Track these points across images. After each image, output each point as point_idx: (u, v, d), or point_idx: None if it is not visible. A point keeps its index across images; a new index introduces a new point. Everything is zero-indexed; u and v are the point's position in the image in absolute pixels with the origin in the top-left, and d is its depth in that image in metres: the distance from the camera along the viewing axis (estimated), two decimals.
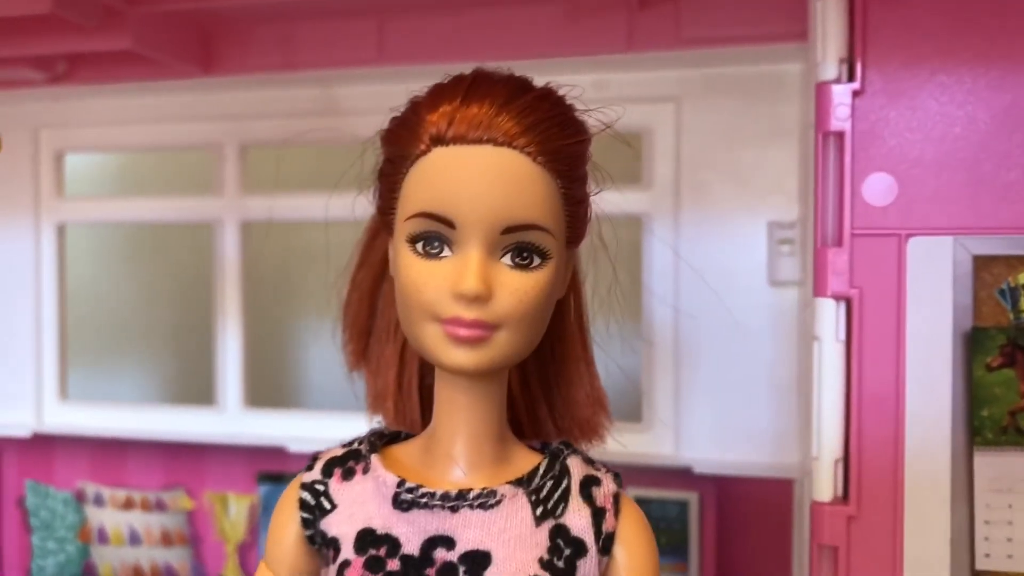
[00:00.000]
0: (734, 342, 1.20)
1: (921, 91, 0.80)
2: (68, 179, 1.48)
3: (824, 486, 0.81)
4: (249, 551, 1.36)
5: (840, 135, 0.80)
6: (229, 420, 1.37)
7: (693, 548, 1.20)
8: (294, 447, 1.32)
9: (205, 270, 1.41)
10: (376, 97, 1.32)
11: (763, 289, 1.18)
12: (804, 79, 1.13)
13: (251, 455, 1.36)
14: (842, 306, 0.81)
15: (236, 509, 1.36)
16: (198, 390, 1.49)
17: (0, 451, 1.47)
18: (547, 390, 0.74)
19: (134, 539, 1.40)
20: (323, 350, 1.75)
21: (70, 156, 1.48)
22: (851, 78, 0.80)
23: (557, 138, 0.63)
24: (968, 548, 0.79)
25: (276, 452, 1.33)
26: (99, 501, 1.42)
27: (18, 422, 1.46)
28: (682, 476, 1.20)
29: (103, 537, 1.42)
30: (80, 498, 1.43)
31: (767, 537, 1.18)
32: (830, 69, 0.81)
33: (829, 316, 0.81)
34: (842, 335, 0.81)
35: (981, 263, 0.79)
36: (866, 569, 0.81)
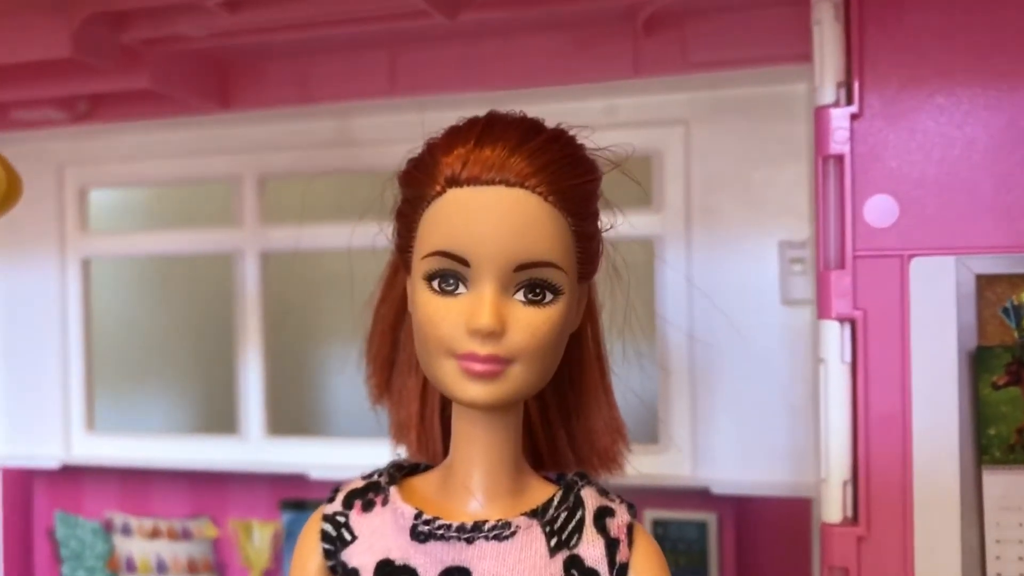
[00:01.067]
0: (749, 362, 1.20)
1: (919, 113, 0.80)
2: (92, 214, 1.51)
3: (833, 507, 0.82)
4: None
5: (840, 158, 0.81)
6: (252, 448, 1.39)
7: (713, 569, 1.20)
8: (316, 474, 1.33)
9: (227, 301, 1.44)
10: (390, 128, 1.35)
11: (776, 308, 1.19)
12: (811, 99, 1.14)
13: (274, 483, 1.37)
14: (847, 328, 0.81)
15: (260, 536, 1.38)
16: (222, 419, 1.51)
17: (30, 483, 1.49)
18: (566, 419, 0.76)
19: (161, 568, 1.42)
20: (344, 378, 1.77)
21: (94, 192, 1.51)
22: (849, 101, 0.81)
23: (568, 178, 0.64)
24: (979, 567, 0.79)
25: (298, 479, 1.35)
26: (127, 531, 1.44)
27: (48, 454, 1.49)
28: (700, 497, 1.20)
29: (131, 566, 1.44)
30: (108, 528, 1.45)
31: (786, 556, 1.18)
32: (828, 93, 0.82)
33: (834, 338, 0.82)
34: (848, 357, 0.81)
35: (984, 282, 0.79)
36: None
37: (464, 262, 0.63)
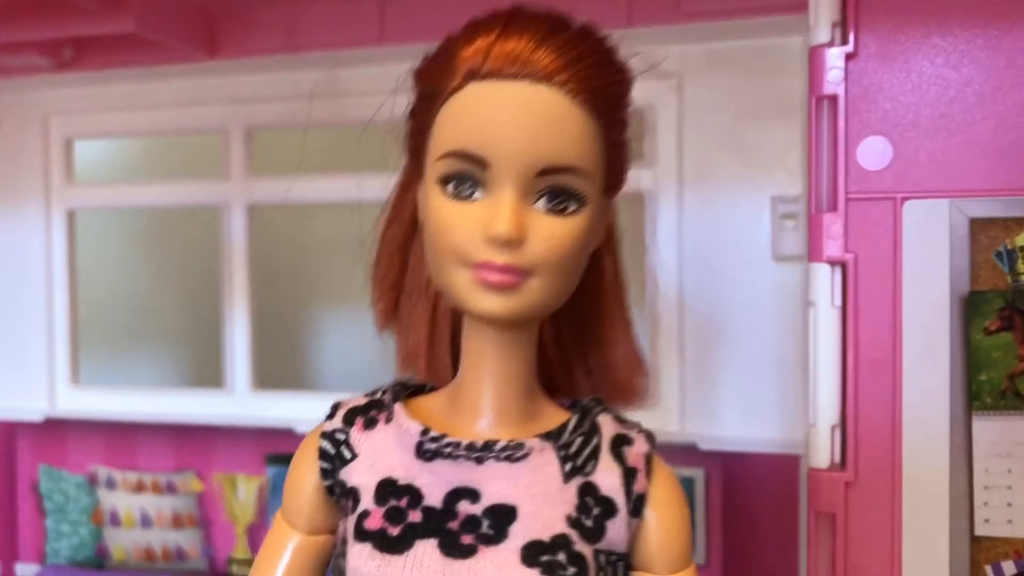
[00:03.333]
0: (739, 318, 1.19)
1: (915, 54, 0.79)
2: (78, 167, 1.49)
3: (821, 453, 0.81)
4: (258, 532, 1.37)
5: (834, 99, 0.80)
6: (237, 402, 1.38)
7: (700, 524, 1.20)
8: (302, 428, 1.32)
9: (215, 254, 1.42)
10: (379, 78, 1.31)
11: (767, 264, 1.18)
12: (805, 51, 1.12)
13: (259, 437, 1.36)
14: (837, 271, 0.80)
15: (245, 491, 1.37)
16: (207, 373, 1.50)
17: (14, 436, 1.48)
18: (583, 350, 0.71)
19: (145, 521, 1.42)
20: (331, 332, 1.76)
21: (80, 143, 1.49)
22: (844, 41, 0.80)
23: (599, 76, 0.59)
24: (967, 514, 0.79)
25: (284, 433, 1.34)
26: (111, 484, 1.43)
27: (31, 407, 1.47)
28: (688, 453, 1.19)
29: (115, 520, 1.43)
30: (92, 481, 1.44)
31: (774, 512, 1.18)
32: (823, 33, 0.80)
33: (824, 281, 0.80)
34: (838, 300, 0.80)
35: (978, 226, 0.78)
36: (864, 536, 0.80)
37: (482, 164, 0.58)
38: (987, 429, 0.78)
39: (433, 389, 0.69)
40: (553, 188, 0.59)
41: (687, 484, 1.20)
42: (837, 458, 0.81)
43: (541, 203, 0.59)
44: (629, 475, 0.63)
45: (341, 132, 1.41)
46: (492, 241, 0.58)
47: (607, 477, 0.63)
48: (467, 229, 0.59)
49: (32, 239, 1.47)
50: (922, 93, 0.79)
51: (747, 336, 1.19)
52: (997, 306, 0.78)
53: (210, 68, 1.32)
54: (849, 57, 0.79)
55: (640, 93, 1.20)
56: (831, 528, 0.81)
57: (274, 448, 1.36)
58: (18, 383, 1.48)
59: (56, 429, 1.46)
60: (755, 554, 1.19)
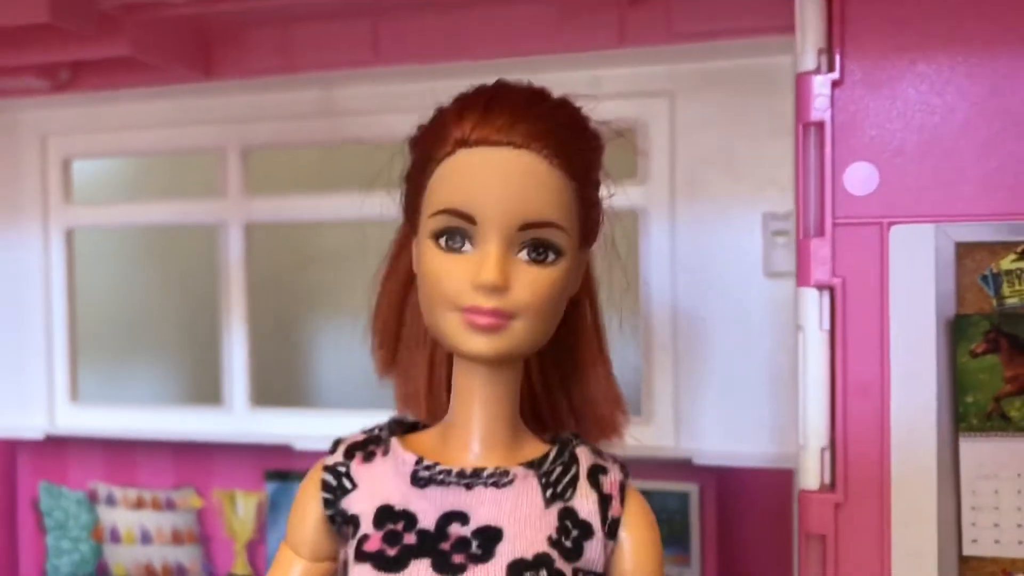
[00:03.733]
0: (732, 333, 1.20)
1: (900, 80, 0.80)
2: (76, 186, 1.50)
3: (811, 474, 0.82)
4: (257, 548, 1.38)
5: (820, 125, 0.81)
6: (236, 419, 1.39)
7: (694, 539, 1.21)
8: (300, 445, 1.34)
9: (212, 272, 1.43)
10: (373, 98, 1.34)
11: (759, 281, 1.19)
12: (795, 71, 1.13)
13: (258, 453, 1.37)
14: (825, 295, 0.81)
15: (244, 507, 1.38)
16: (206, 390, 1.51)
17: (14, 453, 1.49)
18: (566, 388, 0.78)
19: (145, 538, 1.42)
20: (329, 349, 1.76)
21: (77, 162, 1.50)
22: (831, 69, 0.81)
23: (572, 143, 0.67)
24: (955, 534, 0.80)
25: (283, 450, 1.35)
26: (111, 501, 1.44)
27: (31, 424, 1.48)
28: (682, 468, 1.21)
29: (115, 536, 1.44)
30: (93, 498, 1.45)
31: (768, 527, 1.19)
32: (809, 60, 0.81)
33: (813, 305, 0.81)
34: (826, 324, 0.81)
35: (963, 250, 0.79)
36: (854, 557, 0.81)
37: (471, 220, 0.65)
38: (974, 450, 0.79)
39: (426, 427, 0.76)
40: (534, 241, 0.66)
41: (682, 499, 1.21)
42: (827, 479, 0.82)
43: (523, 254, 0.66)
44: (604, 501, 0.70)
45: (336, 150, 1.43)
46: (480, 288, 0.64)
47: (585, 503, 0.70)
48: (458, 278, 0.65)
49: (31, 258, 1.48)
50: (907, 119, 0.80)
51: (740, 351, 1.20)
52: (983, 329, 0.79)
53: (206, 88, 1.33)
54: (835, 84, 0.81)
55: (632, 111, 1.22)
56: (821, 549, 0.82)
57: (273, 464, 1.37)
58: (18, 401, 1.49)
59: (56, 446, 1.47)
60: (750, 568, 1.20)
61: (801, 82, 0.82)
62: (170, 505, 1.42)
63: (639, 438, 1.21)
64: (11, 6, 1.02)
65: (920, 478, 0.80)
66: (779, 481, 1.18)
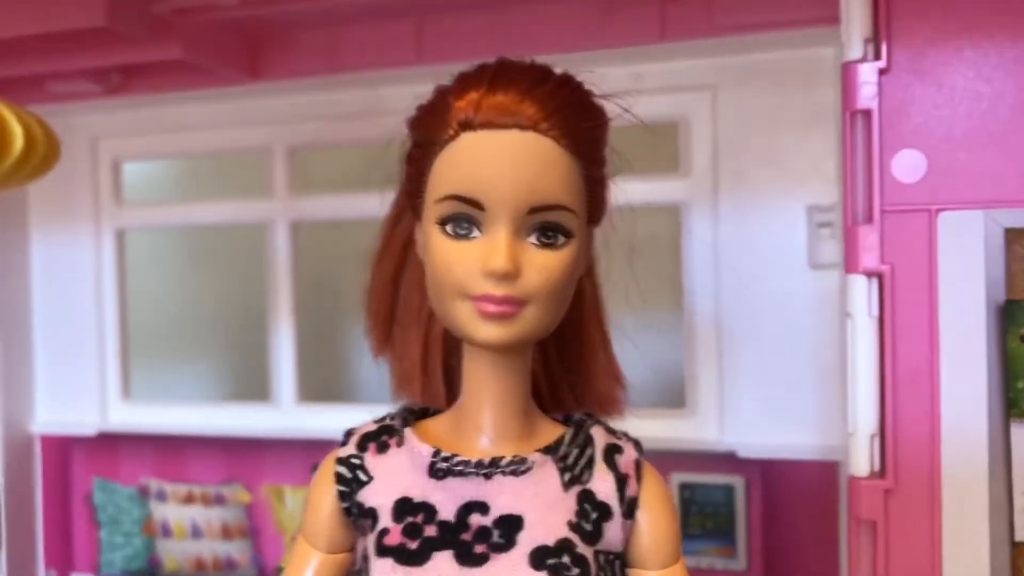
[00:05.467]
0: (776, 326, 1.20)
1: (947, 67, 0.80)
2: (126, 186, 1.53)
3: (861, 461, 0.82)
4: None
5: (867, 113, 0.81)
6: (284, 415, 1.41)
7: (740, 532, 1.21)
8: None
9: (260, 270, 1.46)
10: (418, 97, 1.35)
11: (804, 272, 1.19)
12: (838, 62, 1.13)
13: (305, 448, 1.40)
14: (874, 282, 0.82)
15: (292, 501, 1.40)
16: (254, 387, 1.54)
17: (68, 450, 1.53)
18: (566, 366, 0.77)
19: (196, 532, 1.45)
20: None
21: (127, 164, 1.53)
22: (877, 57, 0.81)
23: (579, 122, 0.65)
24: (1007, 520, 0.80)
25: (329, 445, 1.36)
26: (162, 496, 1.47)
27: (85, 422, 1.52)
28: (727, 461, 1.21)
29: (167, 531, 1.47)
30: (144, 494, 1.48)
31: (814, 519, 1.19)
32: (855, 49, 0.82)
33: (861, 292, 0.82)
34: (875, 311, 0.82)
35: (1012, 235, 0.79)
36: (904, 543, 0.81)
37: (478, 205, 0.63)
38: None
39: (436, 412, 0.74)
40: (543, 224, 0.64)
41: (727, 492, 1.21)
42: (876, 466, 0.82)
43: (533, 238, 0.64)
44: (621, 481, 0.69)
45: (381, 149, 1.45)
46: (490, 275, 0.63)
47: (602, 484, 0.69)
48: (467, 265, 0.64)
49: (83, 259, 1.52)
50: (954, 106, 0.80)
51: (784, 343, 1.20)
52: None
53: (253, 90, 1.35)
54: (882, 72, 0.81)
55: (675, 105, 1.23)
56: (871, 535, 0.82)
57: (320, 459, 1.38)
58: (72, 399, 1.53)
59: (108, 443, 1.50)
60: (796, 560, 1.20)
61: (847, 71, 0.82)
62: (219, 500, 1.44)
63: (683, 431, 1.23)
64: (68, 10, 1.05)
65: (971, 464, 0.80)
66: (824, 473, 1.18)
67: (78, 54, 1.21)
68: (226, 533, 1.44)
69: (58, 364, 1.54)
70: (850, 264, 0.82)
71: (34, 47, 1.18)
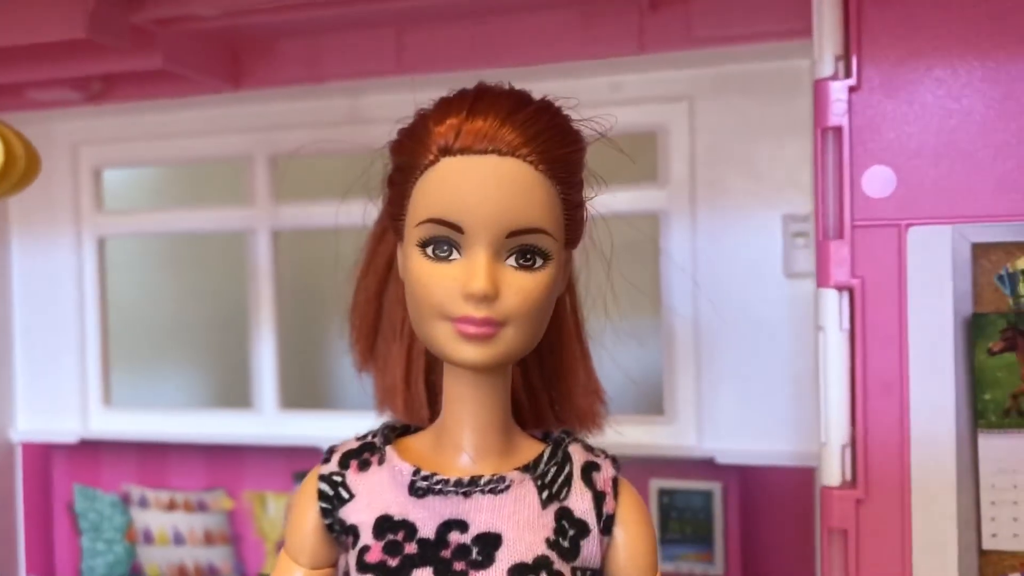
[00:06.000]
0: (753, 334, 1.22)
1: (917, 85, 0.82)
2: (107, 193, 1.54)
3: (833, 471, 0.84)
4: None
5: (838, 130, 0.83)
6: (266, 422, 1.42)
7: (718, 537, 1.23)
8: (328, 446, 1.36)
9: (241, 278, 1.46)
10: (397, 106, 1.35)
11: (779, 281, 1.21)
12: (813, 75, 1.15)
13: (287, 455, 1.40)
14: (845, 296, 0.83)
15: (274, 508, 1.41)
16: (236, 394, 1.54)
17: (49, 457, 1.53)
18: (547, 383, 0.79)
19: (178, 539, 1.46)
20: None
21: (108, 171, 1.53)
22: (847, 74, 0.83)
23: (557, 147, 0.66)
24: (975, 528, 0.81)
25: (312, 452, 1.37)
26: (144, 503, 1.47)
27: (66, 429, 1.52)
28: (705, 467, 1.22)
29: (148, 538, 1.47)
30: (126, 500, 1.48)
31: (790, 525, 1.21)
32: (827, 66, 0.83)
33: (832, 306, 0.83)
34: (846, 324, 0.83)
35: (980, 250, 0.81)
36: (875, 551, 0.83)
37: (458, 229, 0.65)
38: (992, 446, 0.81)
39: (417, 429, 0.76)
40: (521, 247, 0.66)
41: (705, 497, 1.23)
42: (848, 476, 0.84)
43: (511, 260, 0.66)
44: (599, 498, 0.71)
45: (362, 158, 1.45)
46: (470, 297, 0.64)
47: (580, 501, 0.70)
48: (447, 287, 0.65)
49: (64, 266, 1.52)
50: (924, 123, 0.82)
51: (761, 351, 1.22)
52: (1000, 327, 0.80)
53: (235, 98, 1.36)
54: (852, 90, 0.82)
55: (652, 115, 1.24)
56: (843, 544, 0.84)
57: (302, 466, 1.39)
58: (53, 406, 1.53)
59: (90, 450, 1.50)
60: (773, 564, 1.21)
61: (819, 88, 0.84)
62: (202, 507, 1.45)
63: (662, 438, 1.24)
64: (49, 22, 1.05)
65: (940, 474, 0.82)
66: (801, 479, 1.20)
67: (58, 64, 1.21)
68: (208, 540, 1.45)
69: (39, 371, 1.54)
70: (821, 278, 0.84)
71: (14, 56, 1.18)
